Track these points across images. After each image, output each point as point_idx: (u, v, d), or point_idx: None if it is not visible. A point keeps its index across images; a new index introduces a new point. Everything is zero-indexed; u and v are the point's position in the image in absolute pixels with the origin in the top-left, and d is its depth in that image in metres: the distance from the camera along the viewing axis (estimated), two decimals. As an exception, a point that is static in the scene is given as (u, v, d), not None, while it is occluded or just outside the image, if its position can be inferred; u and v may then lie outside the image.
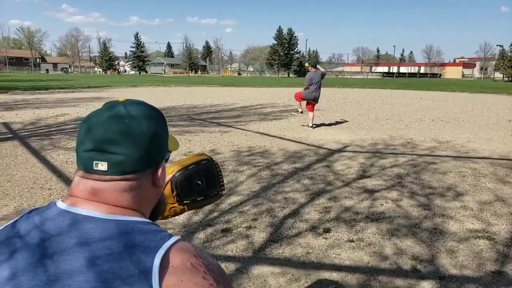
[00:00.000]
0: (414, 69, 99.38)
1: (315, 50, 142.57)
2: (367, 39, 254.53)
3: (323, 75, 9.73)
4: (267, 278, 2.81)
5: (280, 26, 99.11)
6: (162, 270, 0.64)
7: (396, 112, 13.67)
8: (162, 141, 0.81)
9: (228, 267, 2.95)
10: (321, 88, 9.83)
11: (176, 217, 3.83)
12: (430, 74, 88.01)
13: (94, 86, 28.93)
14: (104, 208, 0.71)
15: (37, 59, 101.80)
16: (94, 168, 0.73)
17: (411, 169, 5.77)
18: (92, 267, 0.62)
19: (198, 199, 1.22)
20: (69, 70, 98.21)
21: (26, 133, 8.30)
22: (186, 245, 0.71)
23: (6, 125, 9.35)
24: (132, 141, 0.73)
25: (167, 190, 1.18)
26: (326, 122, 10.77)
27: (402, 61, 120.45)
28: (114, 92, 22.79)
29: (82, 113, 12.05)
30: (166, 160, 0.86)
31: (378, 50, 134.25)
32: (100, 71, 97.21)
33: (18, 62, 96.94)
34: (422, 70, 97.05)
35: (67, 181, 4.98)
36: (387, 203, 4.37)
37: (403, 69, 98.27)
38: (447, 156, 6.72)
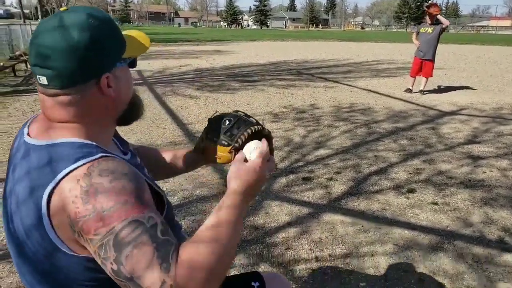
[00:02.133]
0: None
1: (454, 1, 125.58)
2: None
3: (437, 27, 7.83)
4: (336, 225, 2.91)
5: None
6: (50, 205, 0.72)
7: (540, 74, 11.62)
8: (104, 49, 0.77)
9: (301, 211, 3.13)
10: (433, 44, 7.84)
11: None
12: None
13: (217, 39, 30.59)
14: (44, 135, 0.80)
15: (172, 14, 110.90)
16: (39, 81, 0.78)
17: (536, 139, 5.04)
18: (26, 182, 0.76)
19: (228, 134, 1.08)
20: (198, 24, 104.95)
21: (153, 80, 9.43)
22: (81, 168, 0.72)
23: (139, 72, 10.69)
24: (63, 54, 0.73)
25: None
26: (447, 83, 9.77)
27: None
28: (234, 45, 23.83)
29: (203, 64, 13.02)
30: (131, 66, 0.88)
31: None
32: (225, 25, 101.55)
33: (156, 17, 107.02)
34: None
35: (179, 123, 5.63)
36: (492, 171, 3.97)
37: None
38: None
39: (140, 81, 9.15)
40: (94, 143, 0.79)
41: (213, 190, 3.46)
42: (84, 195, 0.69)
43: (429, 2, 8.12)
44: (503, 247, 2.67)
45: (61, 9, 0.78)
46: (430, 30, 7.82)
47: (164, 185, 3.47)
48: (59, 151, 0.76)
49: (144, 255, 0.65)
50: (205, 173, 3.84)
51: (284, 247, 2.64)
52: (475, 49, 23.17)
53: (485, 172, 3.96)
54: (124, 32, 0.86)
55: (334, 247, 2.64)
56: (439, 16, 7.76)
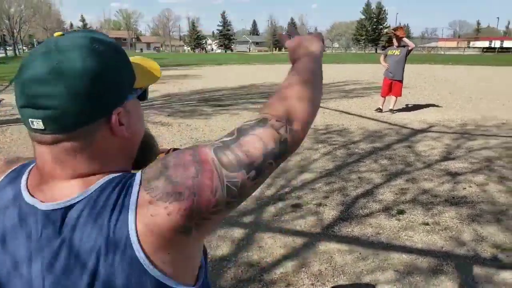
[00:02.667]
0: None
1: (406, 25, 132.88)
2: (465, 11, 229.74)
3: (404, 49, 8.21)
4: (333, 255, 2.85)
5: (368, 0, 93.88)
6: (136, 209, 0.60)
7: (492, 91, 12.34)
8: (114, 79, 0.64)
9: (296, 241, 3.05)
10: (401, 67, 8.24)
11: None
12: (543, 47, 76.90)
13: (183, 64, 30.54)
14: (57, 194, 0.64)
15: (133, 39, 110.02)
16: (32, 127, 0.62)
17: (504, 152, 5.26)
18: None
19: None
20: (161, 49, 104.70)
21: (122, 108, 9.17)
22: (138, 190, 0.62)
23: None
24: (63, 86, 0.59)
25: None
26: (412, 101, 10.15)
27: (506, 35, 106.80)
28: (200, 70, 23.84)
29: (171, 89, 12.87)
30: (142, 98, 0.73)
31: (478, 23, 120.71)
32: (188, 49, 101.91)
33: (117, 42, 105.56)
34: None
35: (155, 152, 5.45)
36: (471, 187, 4.08)
37: (507, 44, 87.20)
38: (552, 140, 5.97)
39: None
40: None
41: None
42: (161, 176, 0.62)
43: (395, 26, 8.48)
44: (498, 265, 2.70)
45: (55, 34, 0.65)
46: (397, 52, 8.15)
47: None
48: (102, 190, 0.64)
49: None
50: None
51: (284, 284, 2.54)
52: (430, 68, 24.43)
53: (465, 188, 4.07)
54: (131, 59, 0.73)
55: (335, 279, 2.57)
56: (404, 39, 8.11)
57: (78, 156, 0.63)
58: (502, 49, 72.92)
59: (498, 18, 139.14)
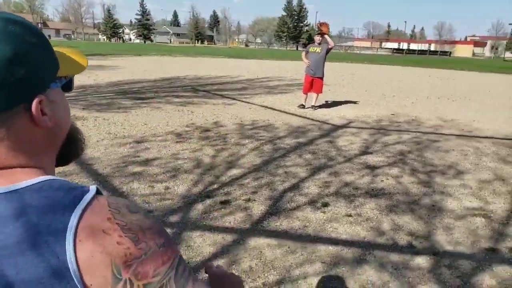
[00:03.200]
0: (424, 46, 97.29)
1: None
2: (378, 13, 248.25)
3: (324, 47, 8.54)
4: (263, 250, 2.84)
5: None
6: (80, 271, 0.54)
7: (403, 89, 13.48)
8: (33, 63, 0.59)
9: (225, 238, 2.99)
10: (322, 65, 8.58)
11: (175, 188, 3.87)
12: (441, 51, 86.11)
13: (97, 53, 28.67)
14: None
15: (39, 24, 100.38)
16: None
17: (414, 147, 5.74)
18: None
19: None
20: (72, 36, 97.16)
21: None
22: (98, 205, 0.58)
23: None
24: None
25: None
26: (332, 98, 10.66)
27: (412, 38, 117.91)
28: (118, 60, 22.60)
29: (85, 80, 11.98)
30: (67, 89, 0.68)
31: (389, 26, 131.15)
32: (104, 38, 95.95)
33: (35, 24, 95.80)
34: (433, 48, 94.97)
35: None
36: (388, 179, 4.37)
37: (413, 46, 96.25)
38: (451, 135, 6.67)
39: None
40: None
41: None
42: (129, 233, 0.58)
43: (322, 21, 8.76)
44: (413, 251, 2.91)
45: None
46: (318, 50, 8.45)
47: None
48: (32, 197, 0.56)
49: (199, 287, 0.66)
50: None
51: (215, 280, 2.46)
52: (347, 67, 25.99)
53: (383, 180, 4.34)
54: (54, 48, 0.67)
55: (266, 275, 2.56)
56: (326, 36, 8.44)
57: None
58: (409, 51, 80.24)
59: (405, 22, 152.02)
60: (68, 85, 0.68)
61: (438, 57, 67.48)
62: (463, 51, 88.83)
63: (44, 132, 0.62)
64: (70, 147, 0.70)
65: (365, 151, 5.43)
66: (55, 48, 0.67)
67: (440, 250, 2.93)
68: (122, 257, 0.56)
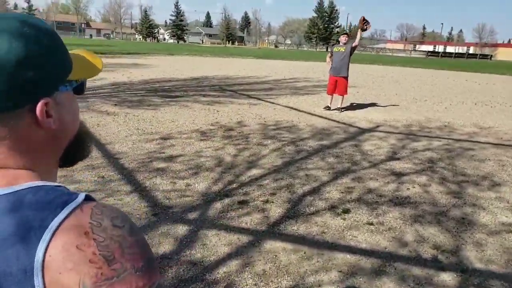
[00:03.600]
0: (462, 49, 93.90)
1: (356, 25, 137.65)
2: (412, 15, 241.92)
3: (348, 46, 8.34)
4: (278, 254, 2.76)
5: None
6: (42, 266, 0.52)
7: (436, 94, 13.00)
8: (42, 66, 0.59)
9: (241, 239, 2.92)
10: (346, 65, 8.36)
11: (196, 185, 3.84)
12: (480, 55, 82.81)
13: (133, 52, 29.38)
14: None
15: (83, 24, 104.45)
16: None
17: (445, 154, 5.48)
18: None
19: None
20: (111, 36, 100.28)
21: (62, 95, 8.55)
22: (79, 217, 0.56)
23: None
24: None
25: None
26: (360, 100, 10.40)
27: (449, 40, 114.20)
28: (151, 59, 23.06)
29: (119, 78, 12.27)
30: (78, 92, 0.68)
31: (424, 28, 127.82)
32: (140, 38, 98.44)
33: (65, 27, 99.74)
34: (471, 51, 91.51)
35: (97, 143, 5.09)
36: (414, 187, 4.17)
37: (450, 49, 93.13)
38: (487, 143, 6.32)
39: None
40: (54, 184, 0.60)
41: (141, 221, 3.09)
42: (105, 251, 0.54)
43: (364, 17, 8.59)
44: (438, 266, 2.74)
45: None
46: (342, 49, 8.27)
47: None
48: (23, 200, 0.55)
49: None
50: (130, 200, 3.45)
51: (226, 283, 2.41)
52: (378, 69, 25.42)
53: (409, 188, 4.15)
54: (70, 51, 0.67)
55: (279, 280, 2.47)
56: (358, 33, 8.33)
57: None
58: (445, 54, 77.72)
59: (442, 24, 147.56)
60: (79, 88, 0.68)
61: (477, 60, 64.94)
62: (505, 55, 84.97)
63: (48, 134, 0.62)
64: (77, 149, 0.71)
65: (392, 157, 5.23)
66: (71, 51, 0.68)
67: (469, 267, 2.74)
68: (92, 277, 0.53)
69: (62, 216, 0.54)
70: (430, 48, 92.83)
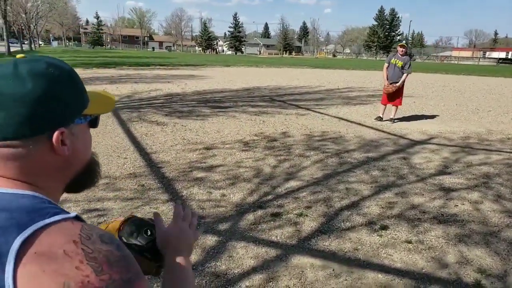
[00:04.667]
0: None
1: (419, 32, 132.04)
2: (482, 21, 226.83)
3: (406, 64, 8.08)
4: (305, 270, 2.69)
5: (382, 6, 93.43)
6: (20, 256, 0.55)
7: (502, 104, 12.04)
8: (61, 101, 0.69)
9: (268, 253, 2.89)
10: (401, 78, 8.07)
11: (231, 195, 3.88)
12: (559, 61, 75.44)
13: (191, 64, 30.55)
14: None
15: (146, 38, 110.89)
16: None
17: (504, 169, 5.04)
18: None
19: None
20: (172, 48, 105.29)
21: (120, 105, 9.10)
22: (70, 227, 0.61)
23: (106, 97, 10.35)
24: (12, 100, 0.64)
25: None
26: (416, 111, 9.92)
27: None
28: (208, 70, 23.80)
29: (174, 89, 12.80)
30: (92, 125, 0.77)
31: (495, 33, 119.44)
32: (199, 50, 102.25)
33: (130, 40, 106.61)
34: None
35: (142, 151, 5.34)
36: (463, 204, 3.88)
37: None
38: (556, 158, 5.72)
39: (107, 106, 8.80)
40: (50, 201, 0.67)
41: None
42: (93, 262, 0.58)
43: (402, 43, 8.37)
44: (480, 292, 2.51)
45: (18, 56, 0.71)
46: (400, 63, 8.00)
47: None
48: (15, 202, 0.62)
49: None
50: (165, 209, 3.56)
51: (248, 296, 2.39)
52: (440, 78, 24.09)
53: (457, 205, 3.86)
54: (89, 89, 0.77)
55: (302, 296, 2.40)
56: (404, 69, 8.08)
57: (9, 163, 0.66)
58: (518, 61, 71.81)
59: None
60: (93, 122, 0.77)
61: (556, 68, 59.22)
62: None
63: (61, 159, 0.70)
64: (85, 178, 0.78)
65: (442, 171, 4.91)
66: (89, 89, 0.77)
67: (515, 293, 2.48)
68: (78, 282, 0.56)
69: (53, 219, 0.60)
70: (502, 54, 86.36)
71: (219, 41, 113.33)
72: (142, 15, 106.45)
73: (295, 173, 4.65)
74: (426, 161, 5.32)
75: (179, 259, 0.87)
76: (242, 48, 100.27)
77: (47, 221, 0.59)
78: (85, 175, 0.78)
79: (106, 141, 5.80)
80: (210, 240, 3.04)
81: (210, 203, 3.74)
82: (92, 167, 0.79)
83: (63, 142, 0.69)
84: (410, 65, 8.10)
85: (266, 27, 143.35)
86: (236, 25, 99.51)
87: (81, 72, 17.07)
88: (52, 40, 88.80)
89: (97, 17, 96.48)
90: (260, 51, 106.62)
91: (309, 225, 3.35)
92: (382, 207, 3.76)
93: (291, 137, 6.44)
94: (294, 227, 3.30)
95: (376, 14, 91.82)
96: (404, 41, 8.46)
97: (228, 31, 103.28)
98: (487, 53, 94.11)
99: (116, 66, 23.92)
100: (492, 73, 32.91)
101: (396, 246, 3.04)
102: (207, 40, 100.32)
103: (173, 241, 0.89)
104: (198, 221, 3.32)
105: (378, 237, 3.18)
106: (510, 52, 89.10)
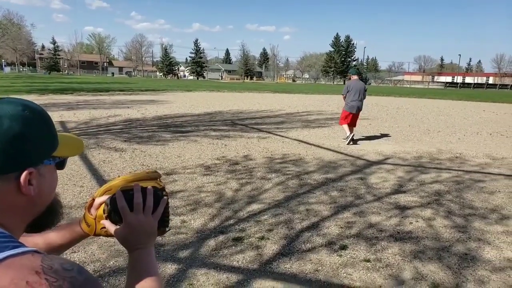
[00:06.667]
0: (481, 79, 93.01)
1: (374, 58, 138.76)
2: (430, 47, 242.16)
3: (364, 88, 8.69)
4: (266, 293, 2.68)
5: (337, 33, 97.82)
6: None
7: (450, 124, 12.80)
8: (32, 142, 0.71)
9: (230, 279, 2.86)
10: (363, 101, 8.78)
11: (192, 222, 3.82)
12: (500, 85, 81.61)
13: (151, 89, 30.27)
14: None
15: (105, 63, 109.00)
16: None
17: (454, 186, 5.32)
18: None
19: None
20: (133, 73, 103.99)
21: (77, 132, 8.82)
22: (31, 259, 0.61)
23: (62, 123, 10.00)
24: None
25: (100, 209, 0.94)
26: (371, 132, 10.32)
27: (468, 71, 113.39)
28: (169, 96, 23.66)
29: (134, 114, 12.60)
30: (59, 167, 0.79)
31: (442, 59, 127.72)
32: (161, 75, 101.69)
33: (89, 66, 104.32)
34: (491, 81, 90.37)
35: (100, 179, 5.18)
36: (417, 221, 4.04)
37: (468, 79, 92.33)
38: (500, 174, 6.12)
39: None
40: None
41: (131, 259, 3.07)
42: None
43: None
44: (435, 306, 2.59)
45: None
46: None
47: (72, 255, 3.03)
48: None
49: None
50: (124, 238, 3.45)
51: (209, 324, 2.33)
52: (394, 101, 25.31)
53: (412, 222, 4.02)
54: (59, 133, 0.80)
55: (264, 321, 2.38)
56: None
57: None
58: (464, 84, 77.01)
59: (460, 55, 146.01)
60: (61, 164, 0.79)
61: (497, 90, 63.97)
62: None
63: (26, 199, 0.71)
64: (47, 218, 0.79)
65: (397, 190, 5.11)
66: (60, 134, 0.80)
67: (467, 305, 2.59)
68: None
69: (14, 252, 0.61)
70: (449, 79, 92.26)
71: (181, 66, 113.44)
72: (101, 41, 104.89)
73: (257, 196, 4.67)
74: (382, 181, 5.52)
75: (138, 254, 0.86)
76: (204, 73, 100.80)
77: (7, 253, 0.60)
78: (47, 216, 0.79)
79: (62, 171, 5.57)
80: (170, 268, 2.97)
81: (170, 230, 3.66)
82: (54, 208, 0.80)
83: (30, 182, 0.70)
84: (365, 89, 8.59)
85: (227, 53, 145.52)
86: (197, 50, 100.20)
87: (35, 98, 16.46)
88: (5, 66, 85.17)
89: (54, 42, 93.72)
90: (222, 76, 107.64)
91: (270, 248, 3.36)
92: (341, 227, 3.84)
93: (252, 160, 6.49)
94: (256, 251, 3.29)
95: (332, 41, 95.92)
96: (357, 66, 9.00)
97: (190, 56, 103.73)
98: (435, 77, 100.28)
99: (73, 92, 23.27)
100: (441, 95, 35.00)
101: (355, 265, 3.11)
102: (168, 66, 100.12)
103: (130, 239, 0.87)
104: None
105: (338, 257, 3.24)
106: (455, 77, 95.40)
